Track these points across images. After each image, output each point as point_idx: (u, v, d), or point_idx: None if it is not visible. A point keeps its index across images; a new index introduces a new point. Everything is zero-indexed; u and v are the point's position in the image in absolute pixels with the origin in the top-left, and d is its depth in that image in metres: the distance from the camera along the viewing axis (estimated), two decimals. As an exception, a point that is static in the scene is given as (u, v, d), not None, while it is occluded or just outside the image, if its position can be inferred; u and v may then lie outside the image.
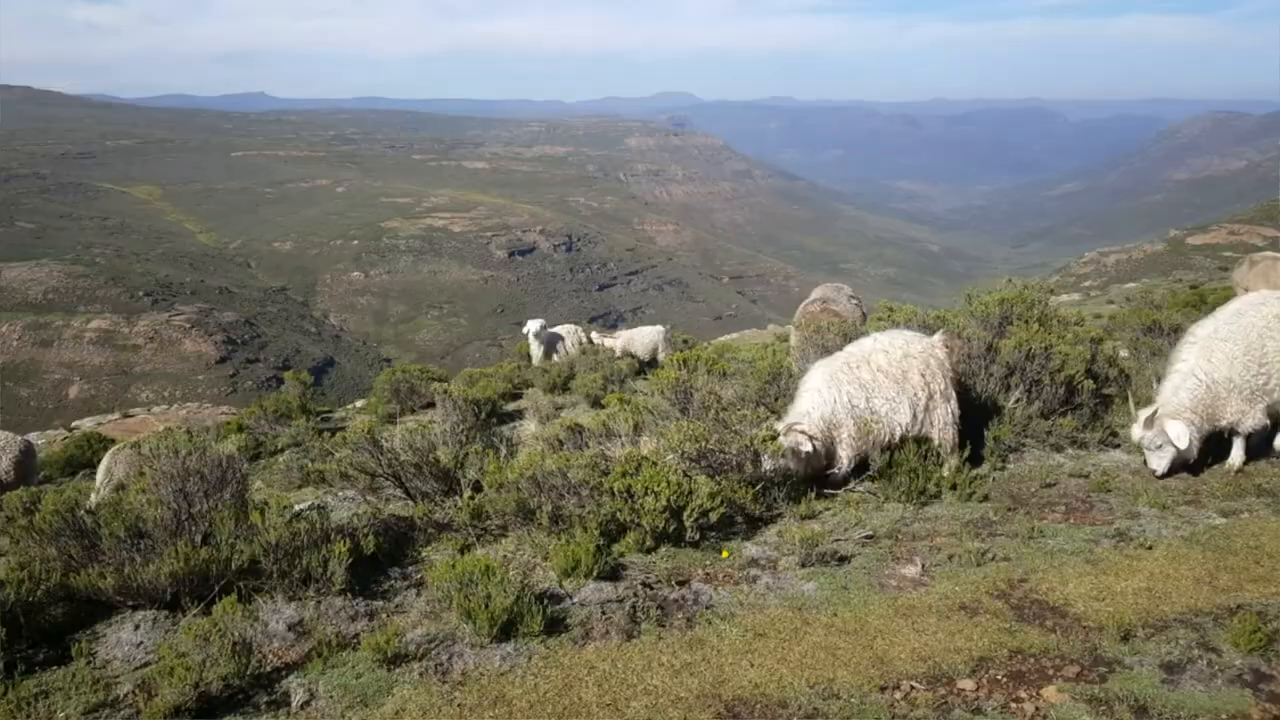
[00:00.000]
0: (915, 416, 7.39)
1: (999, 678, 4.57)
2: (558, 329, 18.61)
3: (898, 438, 7.38)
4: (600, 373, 14.05)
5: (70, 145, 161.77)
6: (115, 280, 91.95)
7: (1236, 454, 7.35)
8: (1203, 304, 17.32)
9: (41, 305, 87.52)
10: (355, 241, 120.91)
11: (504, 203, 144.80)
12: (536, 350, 17.20)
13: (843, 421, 7.22)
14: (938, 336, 7.90)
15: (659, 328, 18.48)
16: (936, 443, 7.46)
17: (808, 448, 6.93)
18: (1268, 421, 7.17)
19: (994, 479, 7.57)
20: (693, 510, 6.21)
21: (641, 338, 17.85)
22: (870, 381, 7.38)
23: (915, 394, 7.40)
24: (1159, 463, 7.14)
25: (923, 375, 7.45)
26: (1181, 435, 6.95)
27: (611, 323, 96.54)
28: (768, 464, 6.99)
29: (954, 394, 7.58)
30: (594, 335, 19.06)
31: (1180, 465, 7.20)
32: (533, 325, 17.35)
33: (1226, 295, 17.39)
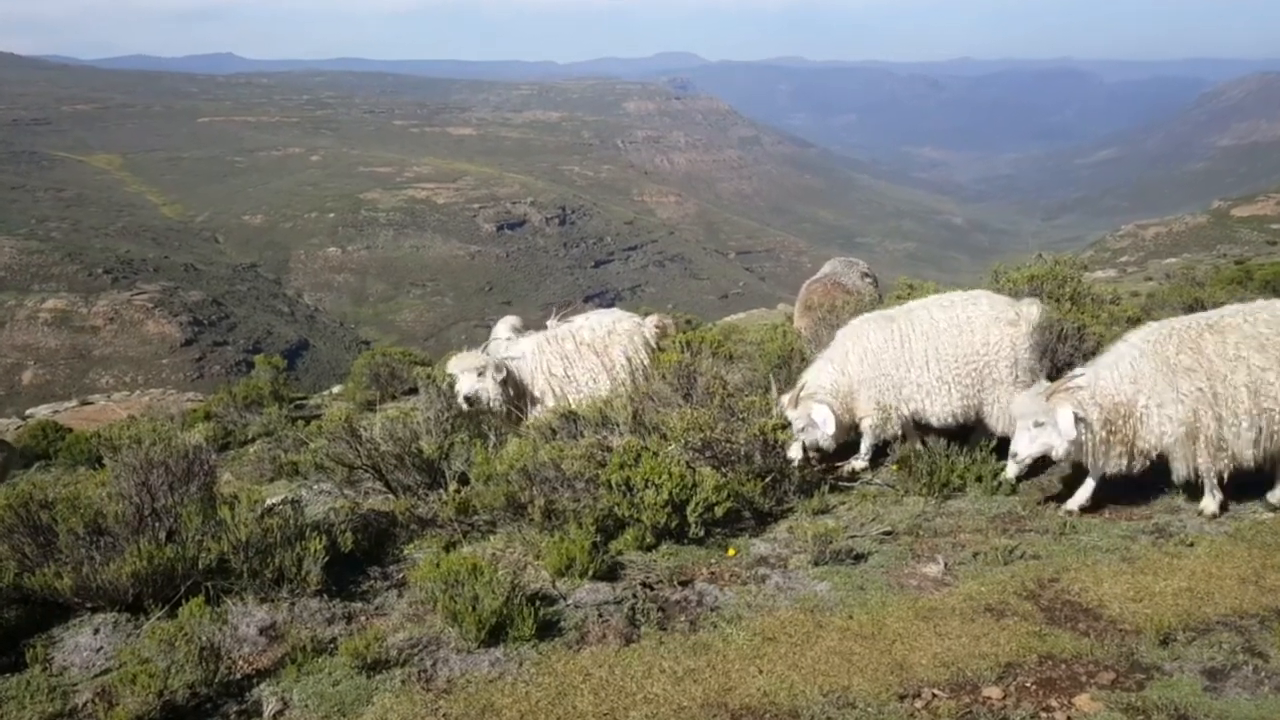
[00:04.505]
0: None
1: (1028, 685, 4.57)
2: (505, 320, 18.83)
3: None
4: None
5: (23, 110, 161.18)
6: (72, 257, 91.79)
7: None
8: (1249, 280, 17.27)
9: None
10: (331, 214, 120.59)
11: (492, 172, 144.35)
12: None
13: None
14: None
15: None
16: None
17: None
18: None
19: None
20: (697, 504, 6.21)
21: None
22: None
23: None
24: (795, 450, 7.49)
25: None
26: (828, 420, 7.37)
27: (608, 301, 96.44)
28: None
29: None
30: (549, 324, 19.28)
31: (818, 450, 7.69)
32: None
33: (1276, 271, 17.34)
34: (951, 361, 7.36)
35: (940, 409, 7.46)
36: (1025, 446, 6.42)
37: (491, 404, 8.35)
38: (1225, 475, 6.31)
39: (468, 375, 8.26)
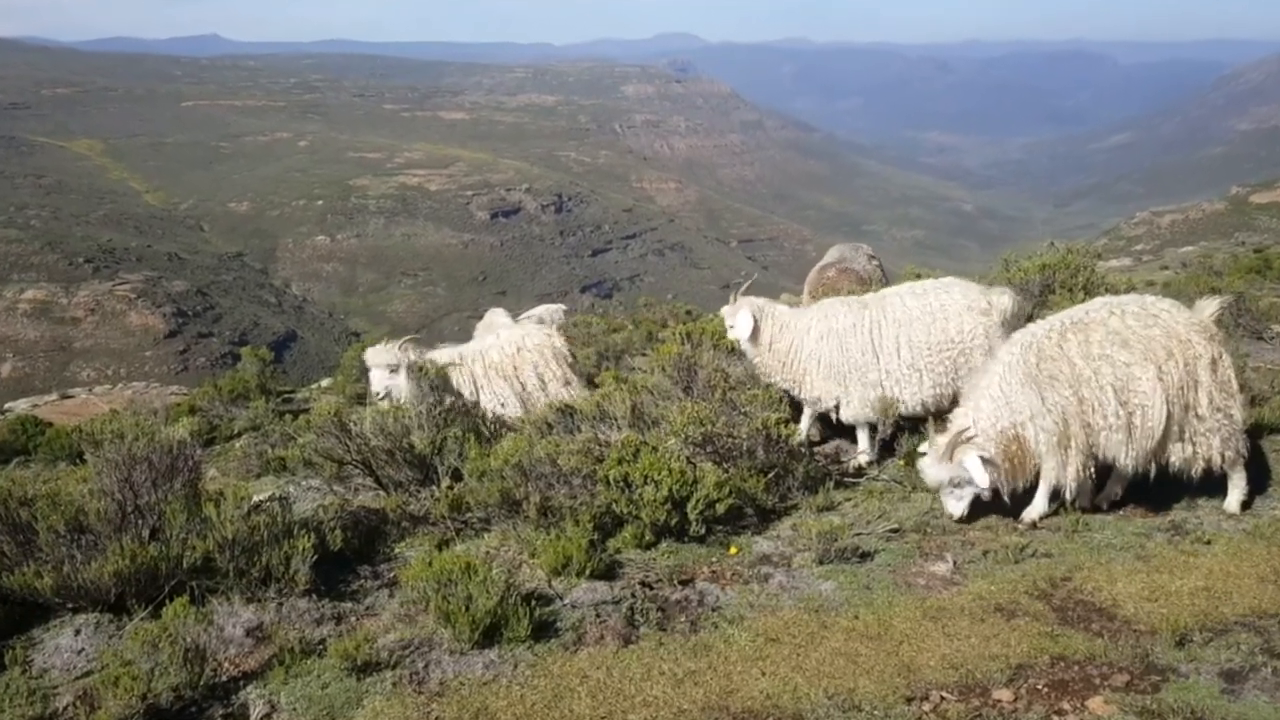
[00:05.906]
0: None
1: (1039, 687, 4.57)
2: (496, 311, 18.80)
3: None
4: (593, 348, 14.02)
5: (1, 94, 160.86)
6: (52, 246, 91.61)
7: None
8: (1268, 269, 17.27)
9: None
10: (320, 202, 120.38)
11: (486, 158, 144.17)
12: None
13: None
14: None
15: (560, 306, 18.74)
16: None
17: None
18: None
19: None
20: (698, 501, 6.20)
21: (547, 315, 18.52)
22: None
23: None
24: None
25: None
26: (747, 325, 7.97)
27: (606, 292, 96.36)
28: None
29: None
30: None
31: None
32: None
33: (1294, 260, 17.32)
34: (924, 349, 7.53)
35: (910, 397, 7.63)
36: (956, 506, 6.47)
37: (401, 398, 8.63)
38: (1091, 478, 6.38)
39: (379, 371, 8.67)
